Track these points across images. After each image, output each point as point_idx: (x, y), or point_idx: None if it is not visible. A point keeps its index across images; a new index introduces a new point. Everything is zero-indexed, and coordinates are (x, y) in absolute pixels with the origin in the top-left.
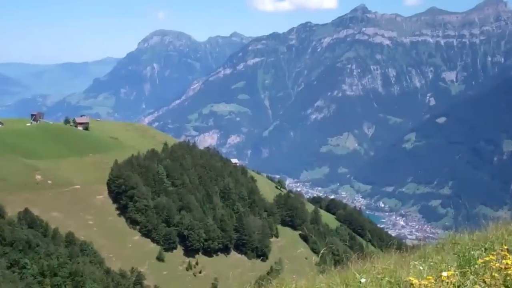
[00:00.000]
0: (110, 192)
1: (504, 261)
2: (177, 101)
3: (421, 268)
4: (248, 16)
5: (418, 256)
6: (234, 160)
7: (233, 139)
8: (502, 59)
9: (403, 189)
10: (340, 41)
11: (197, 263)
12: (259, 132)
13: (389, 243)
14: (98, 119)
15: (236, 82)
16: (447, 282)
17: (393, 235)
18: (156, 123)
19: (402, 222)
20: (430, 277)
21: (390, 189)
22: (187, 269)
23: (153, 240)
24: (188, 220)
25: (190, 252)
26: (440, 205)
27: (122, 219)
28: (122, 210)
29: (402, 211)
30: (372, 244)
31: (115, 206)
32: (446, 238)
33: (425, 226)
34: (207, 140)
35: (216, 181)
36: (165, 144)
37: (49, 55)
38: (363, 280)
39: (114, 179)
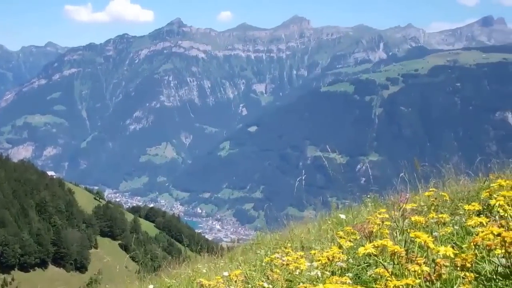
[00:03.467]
0: None
1: (286, 257)
2: None
3: (207, 270)
4: (63, 26)
5: (228, 258)
6: (50, 173)
7: (49, 151)
8: (306, 73)
9: (219, 195)
10: (158, 53)
11: (13, 279)
12: (76, 144)
13: (200, 247)
14: None
15: (52, 92)
16: (235, 281)
17: (210, 238)
18: None
19: (218, 226)
20: (219, 277)
21: (207, 195)
22: (2, 286)
23: None
24: (2, 236)
25: (5, 268)
26: (253, 208)
27: None
28: None
29: (218, 216)
30: (190, 249)
31: None
32: (254, 239)
33: (239, 228)
34: (22, 152)
35: (32, 194)
36: None
37: None
38: (150, 287)
39: None
